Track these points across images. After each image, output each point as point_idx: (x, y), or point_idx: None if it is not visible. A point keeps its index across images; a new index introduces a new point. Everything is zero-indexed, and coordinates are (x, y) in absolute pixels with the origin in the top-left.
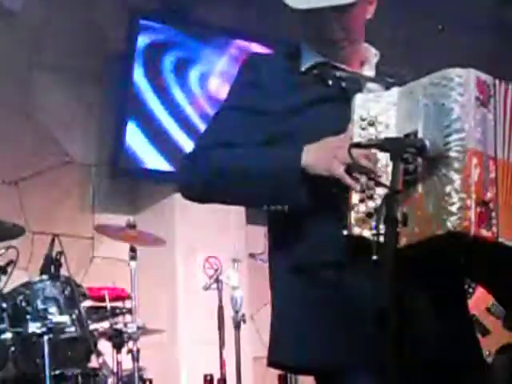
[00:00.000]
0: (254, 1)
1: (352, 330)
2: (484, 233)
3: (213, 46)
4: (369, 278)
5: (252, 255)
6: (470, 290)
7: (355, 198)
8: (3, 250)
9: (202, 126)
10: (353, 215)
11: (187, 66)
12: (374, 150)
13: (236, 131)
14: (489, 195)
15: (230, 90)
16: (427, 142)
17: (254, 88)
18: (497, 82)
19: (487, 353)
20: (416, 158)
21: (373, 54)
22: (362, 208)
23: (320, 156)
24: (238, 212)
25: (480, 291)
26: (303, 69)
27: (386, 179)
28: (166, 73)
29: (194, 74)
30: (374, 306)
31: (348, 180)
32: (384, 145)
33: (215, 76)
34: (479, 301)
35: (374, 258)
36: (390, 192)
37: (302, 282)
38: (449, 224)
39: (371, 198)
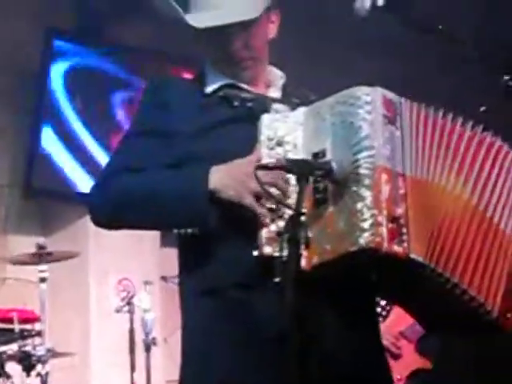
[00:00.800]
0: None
1: (259, 351)
2: (396, 248)
3: (129, 66)
4: (277, 299)
5: (164, 278)
6: (384, 313)
7: (265, 220)
8: None
9: None
10: (263, 235)
11: (108, 89)
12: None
13: (144, 155)
14: (399, 211)
15: (136, 113)
16: (334, 165)
17: (159, 111)
18: (402, 100)
19: (398, 377)
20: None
21: (278, 77)
22: (273, 228)
23: (229, 183)
24: (152, 234)
25: (394, 314)
26: (208, 91)
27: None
28: (83, 94)
29: (114, 96)
30: (279, 326)
31: (258, 209)
32: (290, 167)
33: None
34: (393, 324)
35: (277, 279)
36: (294, 214)
37: (211, 304)
38: (361, 240)
39: (282, 217)
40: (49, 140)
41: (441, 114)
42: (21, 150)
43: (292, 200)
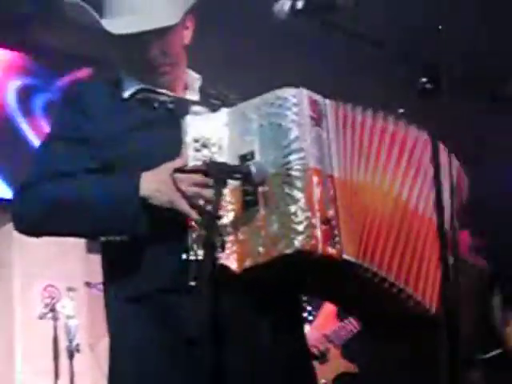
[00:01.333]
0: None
1: (186, 354)
2: (330, 250)
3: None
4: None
5: (88, 284)
6: (310, 318)
7: (192, 224)
8: None
9: None
10: (190, 239)
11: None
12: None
13: (65, 161)
14: (330, 213)
15: (55, 119)
16: (253, 168)
17: (78, 116)
18: (327, 101)
19: (324, 381)
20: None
21: (195, 79)
22: (202, 231)
23: (160, 189)
24: (77, 240)
25: (321, 318)
26: (126, 95)
27: (227, 202)
28: (10, 101)
29: (38, 102)
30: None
31: (194, 215)
32: (208, 170)
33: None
34: (319, 328)
35: (192, 283)
36: (210, 218)
37: (137, 310)
38: (296, 243)
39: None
40: None
41: (364, 112)
42: None
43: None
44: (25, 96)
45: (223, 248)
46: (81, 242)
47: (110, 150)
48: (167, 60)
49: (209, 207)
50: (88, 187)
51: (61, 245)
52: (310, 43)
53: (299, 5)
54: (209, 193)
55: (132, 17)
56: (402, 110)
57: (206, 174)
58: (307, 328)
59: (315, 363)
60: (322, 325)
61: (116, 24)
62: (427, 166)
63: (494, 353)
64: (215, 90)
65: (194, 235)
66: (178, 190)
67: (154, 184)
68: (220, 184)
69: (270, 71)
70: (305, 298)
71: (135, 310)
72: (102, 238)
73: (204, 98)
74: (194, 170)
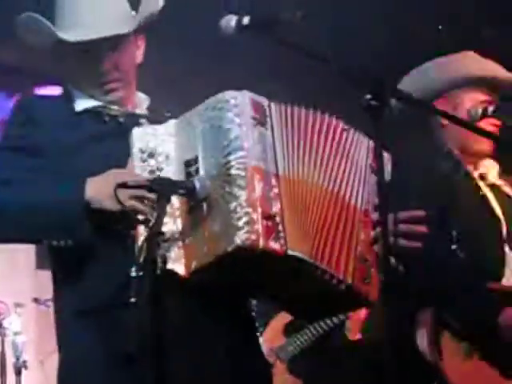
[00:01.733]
0: None
1: (134, 369)
2: (273, 245)
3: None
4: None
5: (36, 300)
6: (261, 329)
7: (142, 235)
8: None
9: None
10: (137, 254)
11: None
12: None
13: (15, 172)
14: (274, 209)
15: (6, 131)
16: (197, 184)
17: (27, 128)
18: (271, 103)
19: None
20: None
21: (143, 100)
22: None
23: (105, 191)
24: (27, 256)
25: (268, 333)
26: (79, 109)
27: (174, 208)
28: None
29: None
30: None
31: (141, 207)
32: (151, 186)
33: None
34: (267, 342)
35: (132, 300)
36: (151, 233)
37: (84, 324)
38: (237, 239)
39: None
40: None
41: (307, 112)
42: None
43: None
44: None
45: (164, 262)
46: (30, 257)
47: (60, 161)
48: (118, 76)
49: (158, 212)
50: (36, 191)
51: (9, 261)
52: (257, 56)
53: (245, 20)
54: (150, 208)
55: (84, 30)
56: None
57: (149, 189)
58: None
59: None
60: (270, 339)
61: (70, 34)
62: (365, 164)
63: None
64: (164, 108)
65: (139, 250)
66: (120, 204)
67: (100, 188)
68: (163, 200)
69: (219, 84)
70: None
71: (83, 325)
72: (53, 243)
73: (153, 114)
74: (138, 186)
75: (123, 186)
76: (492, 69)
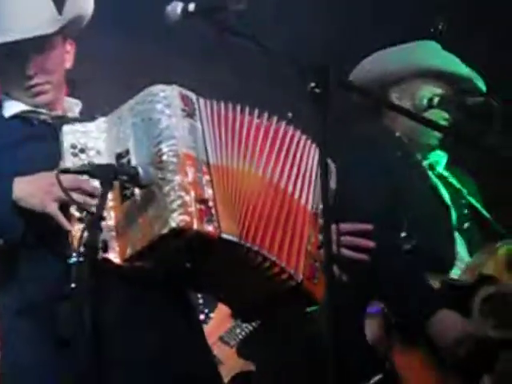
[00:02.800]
0: None
1: (75, 363)
2: (206, 227)
3: None
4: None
5: None
6: (208, 320)
7: (77, 228)
8: None
9: None
10: (75, 243)
11: None
12: (85, 176)
13: None
14: (207, 195)
15: None
16: (140, 170)
17: None
18: (200, 98)
19: None
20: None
21: (74, 104)
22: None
23: (32, 191)
24: None
25: (215, 320)
26: (7, 115)
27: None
28: None
29: None
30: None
31: (61, 218)
32: (94, 171)
33: None
34: (213, 330)
35: (72, 285)
36: (92, 218)
37: (27, 321)
38: (171, 221)
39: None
40: None
41: (235, 109)
42: None
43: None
44: None
45: (105, 248)
46: None
47: None
48: (45, 79)
49: (92, 208)
50: None
51: None
52: (203, 47)
53: (191, 7)
54: (93, 193)
55: (9, 32)
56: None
57: (91, 175)
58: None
59: None
60: (217, 326)
61: None
62: (314, 169)
63: (376, 378)
64: (98, 111)
65: (77, 238)
66: (64, 190)
67: (28, 187)
68: (106, 185)
69: (164, 75)
70: (201, 301)
71: (25, 321)
72: None
73: (85, 117)
74: (80, 171)
75: (66, 171)
76: (452, 63)
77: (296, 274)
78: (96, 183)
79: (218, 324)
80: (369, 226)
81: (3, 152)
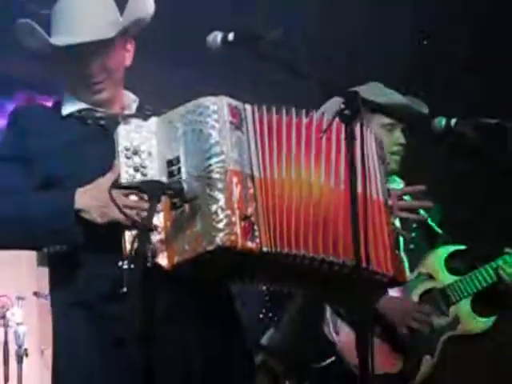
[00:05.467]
0: None
1: (124, 356)
2: (249, 244)
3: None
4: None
5: (36, 293)
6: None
7: (128, 235)
8: None
9: None
10: (127, 250)
11: None
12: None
13: (11, 179)
14: (250, 210)
15: (2, 140)
16: (185, 185)
17: (18, 138)
18: (246, 106)
19: None
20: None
21: (132, 100)
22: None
23: (93, 204)
24: (29, 254)
25: None
26: (64, 113)
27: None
28: None
29: None
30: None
31: (127, 222)
32: (143, 187)
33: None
34: None
35: (124, 290)
36: (142, 229)
37: (79, 316)
38: (218, 240)
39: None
40: None
41: (279, 111)
42: None
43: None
44: None
45: (154, 256)
46: (32, 256)
47: (47, 167)
48: (106, 76)
49: (143, 219)
50: (29, 203)
51: (13, 258)
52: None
53: (230, 36)
54: (142, 207)
55: (74, 35)
56: None
57: (140, 190)
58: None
59: None
60: None
61: (61, 40)
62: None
63: (327, 361)
64: (152, 107)
65: (129, 245)
66: (115, 204)
67: (87, 200)
68: (154, 200)
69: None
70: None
71: (77, 316)
72: (45, 249)
73: (138, 113)
74: (130, 187)
75: (117, 187)
76: (394, 96)
77: (346, 259)
78: (145, 197)
79: None
80: (422, 187)
81: (57, 152)
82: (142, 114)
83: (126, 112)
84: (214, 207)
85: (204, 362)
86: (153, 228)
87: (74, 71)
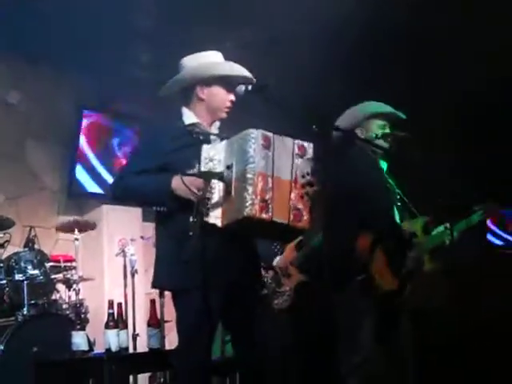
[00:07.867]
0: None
1: (193, 266)
2: (264, 215)
3: (125, 125)
4: (205, 239)
5: (142, 237)
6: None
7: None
8: (1, 235)
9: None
10: (194, 212)
11: (110, 136)
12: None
13: (142, 164)
14: (267, 196)
15: (139, 143)
16: (225, 173)
17: (151, 141)
18: (275, 136)
19: (288, 288)
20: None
21: (217, 123)
22: (204, 206)
23: (180, 187)
24: (137, 212)
25: (287, 251)
26: (186, 123)
27: (217, 190)
28: (102, 140)
29: (113, 141)
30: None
31: (192, 198)
32: (201, 175)
33: (124, 142)
34: (286, 256)
35: (190, 233)
36: (201, 198)
37: (170, 242)
38: (244, 212)
39: (209, 199)
40: (79, 171)
41: (290, 138)
42: (66, 177)
43: (215, 191)
44: (107, 139)
45: (208, 215)
46: (139, 214)
47: (165, 160)
48: (232, 105)
49: (201, 194)
50: (147, 181)
51: (129, 216)
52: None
53: (249, 88)
54: (201, 186)
55: (232, 70)
56: (314, 127)
57: (199, 177)
58: (278, 258)
59: (284, 278)
60: (287, 254)
61: (226, 70)
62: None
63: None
64: (224, 132)
65: (195, 209)
66: (186, 185)
67: (178, 184)
68: (208, 182)
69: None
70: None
71: (169, 241)
72: (154, 208)
73: (219, 133)
74: (195, 175)
75: (188, 175)
76: (386, 107)
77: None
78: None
79: (288, 252)
80: None
81: (174, 151)
82: (220, 135)
83: (214, 128)
84: (245, 193)
85: (239, 272)
86: (206, 200)
87: (220, 94)
